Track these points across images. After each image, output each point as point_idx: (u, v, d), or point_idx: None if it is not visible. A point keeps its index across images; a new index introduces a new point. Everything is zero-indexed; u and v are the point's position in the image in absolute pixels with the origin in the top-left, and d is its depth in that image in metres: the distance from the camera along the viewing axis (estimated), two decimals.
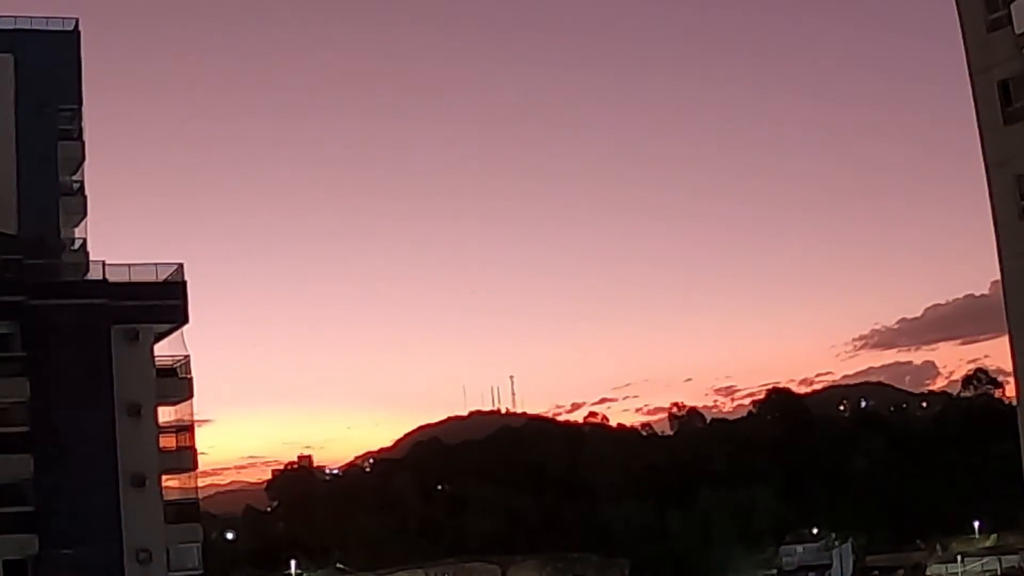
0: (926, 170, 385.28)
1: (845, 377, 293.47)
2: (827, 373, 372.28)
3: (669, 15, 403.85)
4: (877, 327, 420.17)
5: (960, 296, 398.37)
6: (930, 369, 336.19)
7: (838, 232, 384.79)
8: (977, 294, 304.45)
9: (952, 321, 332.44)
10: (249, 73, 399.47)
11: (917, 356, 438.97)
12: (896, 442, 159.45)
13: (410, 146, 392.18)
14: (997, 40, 33.37)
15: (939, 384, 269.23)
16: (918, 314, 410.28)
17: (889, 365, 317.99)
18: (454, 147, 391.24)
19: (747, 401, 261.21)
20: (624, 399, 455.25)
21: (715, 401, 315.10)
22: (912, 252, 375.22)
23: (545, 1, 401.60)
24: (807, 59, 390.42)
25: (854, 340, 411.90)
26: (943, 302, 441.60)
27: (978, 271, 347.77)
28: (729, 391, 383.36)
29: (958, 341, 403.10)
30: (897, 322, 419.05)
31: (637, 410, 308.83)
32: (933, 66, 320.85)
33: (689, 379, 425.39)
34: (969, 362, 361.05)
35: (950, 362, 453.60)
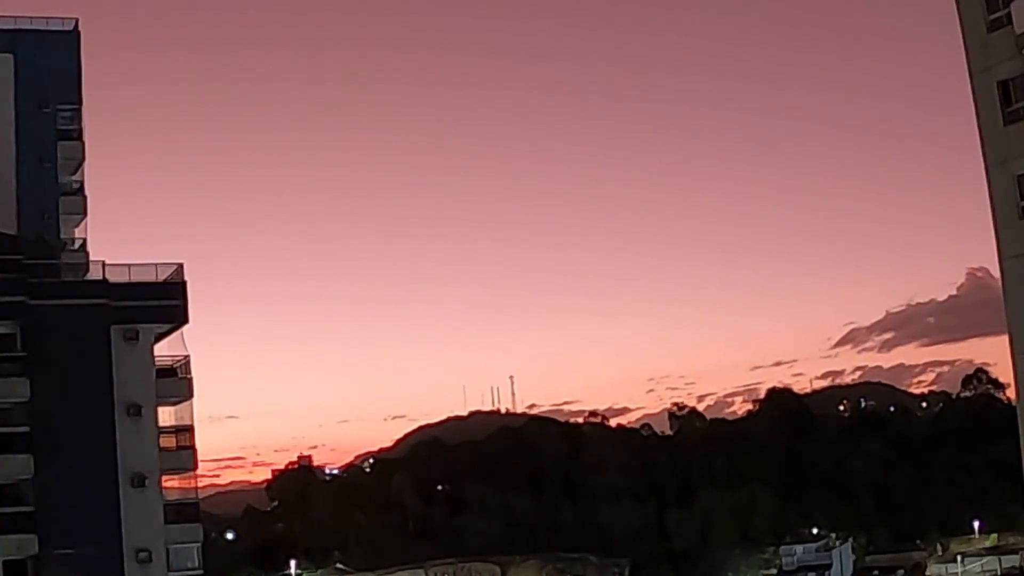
0: (922, 169, 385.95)
1: (827, 375, 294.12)
2: (801, 374, 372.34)
3: (665, 9, 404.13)
4: (855, 327, 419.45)
5: (951, 294, 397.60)
6: (910, 370, 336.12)
7: (821, 232, 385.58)
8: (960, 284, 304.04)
9: (940, 320, 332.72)
10: (249, 73, 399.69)
11: (890, 359, 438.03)
12: (896, 442, 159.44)
13: (410, 146, 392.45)
14: (997, 40, 33.32)
15: (924, 383, 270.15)
16: (898, 311, 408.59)
17: (870, 367, 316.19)
18: (454, 148, 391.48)
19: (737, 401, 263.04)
20: (623, 398, 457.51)
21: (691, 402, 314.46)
22: (896, 253, 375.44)
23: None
24: (803, 59, 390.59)
25: (825, 341, 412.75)
26: (925, 301, 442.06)
27: (969, 271, 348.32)
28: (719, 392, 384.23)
29: (947, 340, 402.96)
30: (873, 324, 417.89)
31: (636, 409, 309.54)
32: (933, 66, 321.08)
33: (694, 381, 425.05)
34: (948, 363, 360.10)
35: (936, 362, 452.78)
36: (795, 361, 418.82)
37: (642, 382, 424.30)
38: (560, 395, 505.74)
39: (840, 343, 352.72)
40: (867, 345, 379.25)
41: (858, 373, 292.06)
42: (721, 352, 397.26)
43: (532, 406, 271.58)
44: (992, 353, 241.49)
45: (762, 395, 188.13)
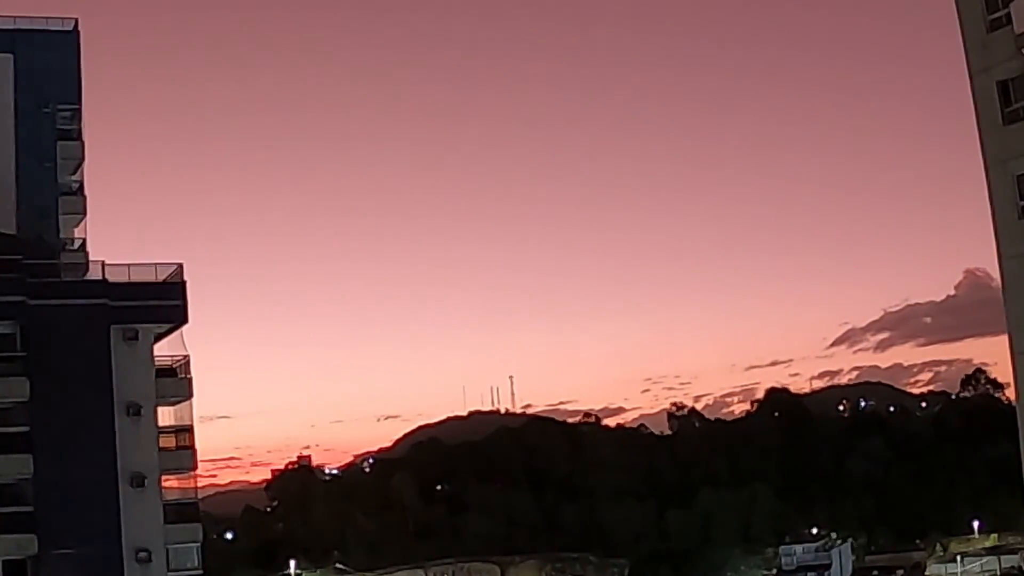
0: (920, 169, 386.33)
1: (823, 375, 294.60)
2: (797, 374, 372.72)
3: (663, 10, 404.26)
4: (851, 327, 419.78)
5: (949, 294, 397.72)
6: (907, 370, 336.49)
7: (817, 232, 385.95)
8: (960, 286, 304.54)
9: (937, 320, 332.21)
10: (249, 73, 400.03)
11: (886, 358, 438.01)
12: (895, 442, 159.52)
13: (409, 146, 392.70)
14: (997, 40, 33.33)
15: (922, 382, 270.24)
16: (895, 310, 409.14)
17: (866, 367, 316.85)
18: (453, 149, 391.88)
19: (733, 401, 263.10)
20: (620, 398, 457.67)
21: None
22: (894, 252, 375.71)
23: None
24: (802, 59, 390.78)
25: (821, 341, 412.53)
26: (922, 301, 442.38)
27: (967, 271, 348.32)
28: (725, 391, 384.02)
29: (944, 340, 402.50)
30: (869, 324, 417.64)
31: (632, 409, 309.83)
32: (933, 66, 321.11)
33: (688, 382, 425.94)
34: (946, 363, 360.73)
35: (934, 362, 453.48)
36: (791, 361, 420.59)
37: (638, 382, 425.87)
38: (557, 395, 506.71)
39: (836, 343, 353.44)
40: (863, 345, 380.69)
41: (854, 373, 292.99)
42: (717, 352, 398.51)
43: (528, 406, 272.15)
44: (991, 353, 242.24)
45: (758, 395, 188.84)
